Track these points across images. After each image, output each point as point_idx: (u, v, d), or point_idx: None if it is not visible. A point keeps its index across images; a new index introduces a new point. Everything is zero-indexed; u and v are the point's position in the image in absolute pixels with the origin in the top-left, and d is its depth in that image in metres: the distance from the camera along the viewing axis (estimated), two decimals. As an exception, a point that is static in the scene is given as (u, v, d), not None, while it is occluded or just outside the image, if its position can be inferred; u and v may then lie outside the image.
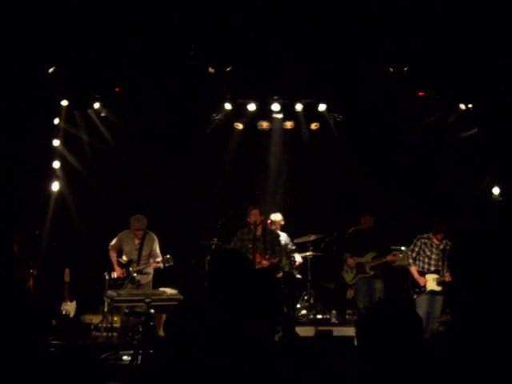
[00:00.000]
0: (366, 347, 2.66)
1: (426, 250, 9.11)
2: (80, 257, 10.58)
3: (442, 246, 9.05)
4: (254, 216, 9.47)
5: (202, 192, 11.58)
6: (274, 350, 3.36)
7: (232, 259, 3.53)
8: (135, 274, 9.38)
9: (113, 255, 9.60)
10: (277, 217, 10.43)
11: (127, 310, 8.66)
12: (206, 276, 3.53)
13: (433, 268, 9.05)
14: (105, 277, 9.48)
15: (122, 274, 9.44)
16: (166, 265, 9.44)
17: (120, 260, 9.58)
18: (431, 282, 9.00)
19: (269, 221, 10.35)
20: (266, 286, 3.52)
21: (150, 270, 9.61)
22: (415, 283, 9.11)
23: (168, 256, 9.44)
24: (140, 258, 9.51)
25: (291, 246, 10.51)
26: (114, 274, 9.49)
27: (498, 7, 8.53)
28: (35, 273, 9.56)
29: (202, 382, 2.81)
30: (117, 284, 9.39)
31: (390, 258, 9.55)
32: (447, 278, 8.89)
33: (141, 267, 9.47)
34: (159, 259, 9.52)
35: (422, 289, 9.03)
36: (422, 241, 9.15)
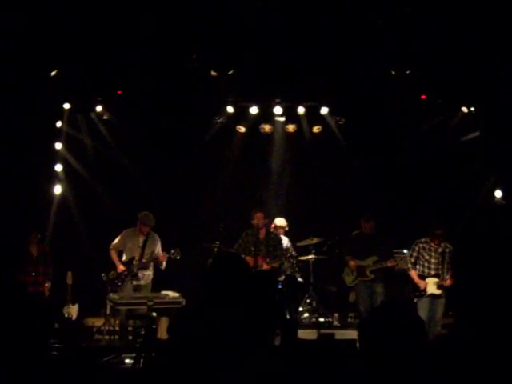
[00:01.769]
0: (369, 350, 2.66)
1: (425, 254, 9.10)
2: (82, 260, 10.58)
3: (440, 250, 9.04)
4: (258, 219, 9.47)
5: (205, 195, 11.59)
6: (275, 354, 3.36)
7: (229, 264, 3.53)
8: (136, 270, 9.40)
9: (114, 254, 9.59)
10: (281, 222, 10.40)
11: (129, 313, 8.65)
12: (205, 280, 3.53)
13: (433, 272, 9.04)
14: (102, 278, 9.45)
15: (124, 271, 9.44)
16: (174, 257, 9.42)
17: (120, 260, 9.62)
18: (431, 286, 8.99)
19: (272, 225, 10.34)
20: (266, 289, 3.52)
21: (150, 272, 9.63)
22: (416, 287, 9.11)
23: (175, 250, 9.46)
24: (142, 255, 9.51)
25: (292, 251, 10.50)
26: (111, 275, 9.47)
27: (500, 10, 8.53)
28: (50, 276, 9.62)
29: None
30: (116, 281, 9.38)
31: (389, 263, 9.54)
32: (446, 281, 8.92)
33: (143, 261, 9.47)
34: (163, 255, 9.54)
35: (422, 292, 9.03)
36: (420, 245, 9.14)
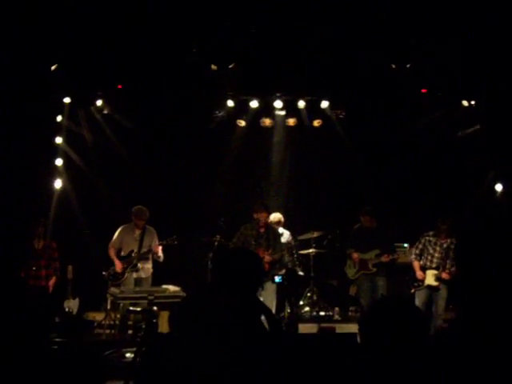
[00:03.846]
0: (369, 344, 2.66)
1: (430, 248, 9.20)
2: (83, 254, 10.58)
3: (445, 245, 9.15)
4: (261, 217, 9.43)
5: (205, 189, 11.59)
6: (279, 346, 3.36)
7: (239, 257, 3.52)
8: (136, 261, 9.45)
9: (112, 252, 9.64)
10: (276, 217, 10.31)
11: (130, 308, 8.67)
12: (211, 273, 3.53)
13: (434, 265, 9.13)
14: (104, 275, 9.50)
15: (123, 268, 9.48)
16: (169, 243, 9.62)
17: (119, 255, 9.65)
18: (430, 278, 9.13)
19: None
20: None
21: (150, 265, 9.68)
22: (415, 278, 9.21)
23: (170, 237, 9.63)
24: (141, 248, 9.57)
25: (294, 244, 10.48)
26: (111, 270, 9.52)
27: (501, 4, 8.51)
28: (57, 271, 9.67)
29: (205, 379, 2.81)
30: (117, 275, 9.43)
31: (384, 259, 9.52)
32: (444, 275, 9.05)
33: (142, 252, 9.52)
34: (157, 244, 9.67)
35: (419, 283, 9.13)
36: (427, 238, 9.26)
